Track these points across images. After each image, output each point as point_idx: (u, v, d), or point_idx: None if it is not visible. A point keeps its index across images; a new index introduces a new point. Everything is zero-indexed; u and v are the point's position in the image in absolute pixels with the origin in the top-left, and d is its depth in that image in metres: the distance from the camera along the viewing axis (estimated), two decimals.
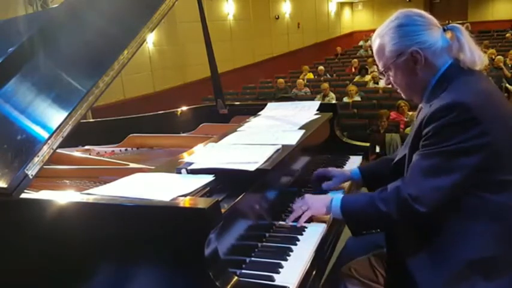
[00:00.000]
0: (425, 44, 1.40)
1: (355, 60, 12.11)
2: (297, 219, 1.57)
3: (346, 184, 1.93)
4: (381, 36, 1.47)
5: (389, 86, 1.57)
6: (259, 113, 2.48)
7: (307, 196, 1.64)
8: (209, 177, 1.40)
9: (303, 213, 1.57)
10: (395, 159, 1.59)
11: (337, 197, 1.52)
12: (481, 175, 1.30)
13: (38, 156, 1.30)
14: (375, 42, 1.50)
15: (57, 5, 2.09)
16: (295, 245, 1.45)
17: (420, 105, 1.58)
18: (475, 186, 1.31)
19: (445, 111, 1.29)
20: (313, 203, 1.58)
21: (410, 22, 1.42)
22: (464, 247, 1.33)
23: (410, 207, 1.31)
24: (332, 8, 17.86)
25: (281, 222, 1.62)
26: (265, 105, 2.59)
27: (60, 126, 1.36)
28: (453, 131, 1.28)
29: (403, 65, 1.43)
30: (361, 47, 15.40)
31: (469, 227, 1.33)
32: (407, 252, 1.42)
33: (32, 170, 1.28)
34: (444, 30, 1.45)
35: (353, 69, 11.44)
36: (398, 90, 1.54)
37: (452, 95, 1.32)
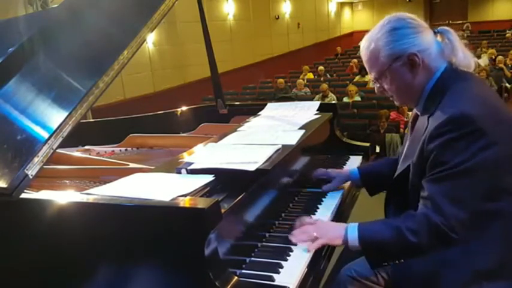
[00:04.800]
0: (421, 46, 1.36)
1: (355, 60, 12.12)
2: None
3: (346, 185, 1.93)
4: (373, 41, 1.40)
5: (382, 93, 1.48)
6: (259, 113, 2.48)
7: (320, 222, 1.50)
8: (209, 177, 1.40)
9: (313, 238, 1.43)
10: (397, 172, 1.54)
11: (352, 226, 1.40)
12: (495, 185, 1.28)
13: (38, 156, 1.29)
14: (366, 48, 1.42)
15: (57, 5, 2.09)
16: (295, 245, 1.44)
17: (415, 111, 1.54)
18: (487, 197, 1.28)
19: (448, 125, 1.26)
20: (328, 232, 1.43)
21: (404, 25, 1.38)
22: (473, 257, 1.32)
23: (445, 237, 1.26)
24: (332, 8, 17.85)
25: (281, 222, 1.62)
26: (265, 105, 2.59)
27: (60, 126, 1.36)
28: (461, 146, 1.24)
29: (399, 69, 1.38)
30: None
31: (478, 236, 1.31)
32: (416, 257, 1.39)
33: (32, 170, 1.27)
34: (435, 33, 1.42)
35: (354, 69, 11.40)
36: (392, 98, 1.49)
37: (452, 107, 1.29)
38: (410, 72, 1.38)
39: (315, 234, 1.42)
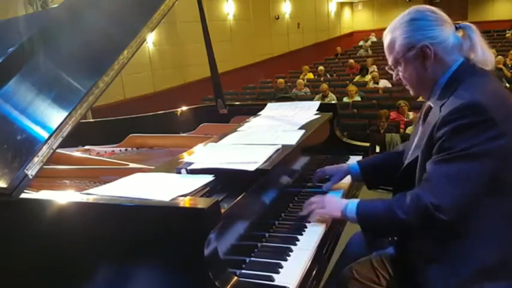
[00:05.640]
0: (436, 39, 1.39)
1: (351, 60, 12.14)
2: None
3: (346, 184, 1.93)
4: (393, 31, 1.46)
5: (398, 81, 1.54)
6: (259, 113, 2.48)
7: (326, 197, 1.63)
8: (209, 177, 1.40)
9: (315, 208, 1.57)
10: (406, 162, 1.55)
11: (353, 202, 1.48)
12: (497, 178, 1.28)
13: (37, 156, 1.29)
14: (387, 36, 1.49)
15: (57, 5, 2.09)
16: (295, 245, 1.45)
17: (428, 104, 1.54)
18: (488, 190, 1.28)
19: (460, 112, 1.27)
20: (329, 204, 1.56)
21: (422, 17, 1.42)
22: (474, 257, 1.32)
23: (432, 216, 1.26)
24: (332, 8, 17.85)
25: (281, 222, 1.62)
26: (265, 105, 2.59)
27: (60, 126, 1.36)
28: (470, 133, 1.25)
29: (412, 60, 1.42)
30: (361, 47, 15.39)
31: (479, 235, 1.31)
32: (417, 256, 1.41)
33: (31, 170, 1.27)
34: (456, 28, 1.45)
35: (356, 69, 11.38)
36: (407, 87, 1.53)
37: (466, 95, 1.30)
38: (422, 64, 1.42)
39: (314, 206, 1.57)
